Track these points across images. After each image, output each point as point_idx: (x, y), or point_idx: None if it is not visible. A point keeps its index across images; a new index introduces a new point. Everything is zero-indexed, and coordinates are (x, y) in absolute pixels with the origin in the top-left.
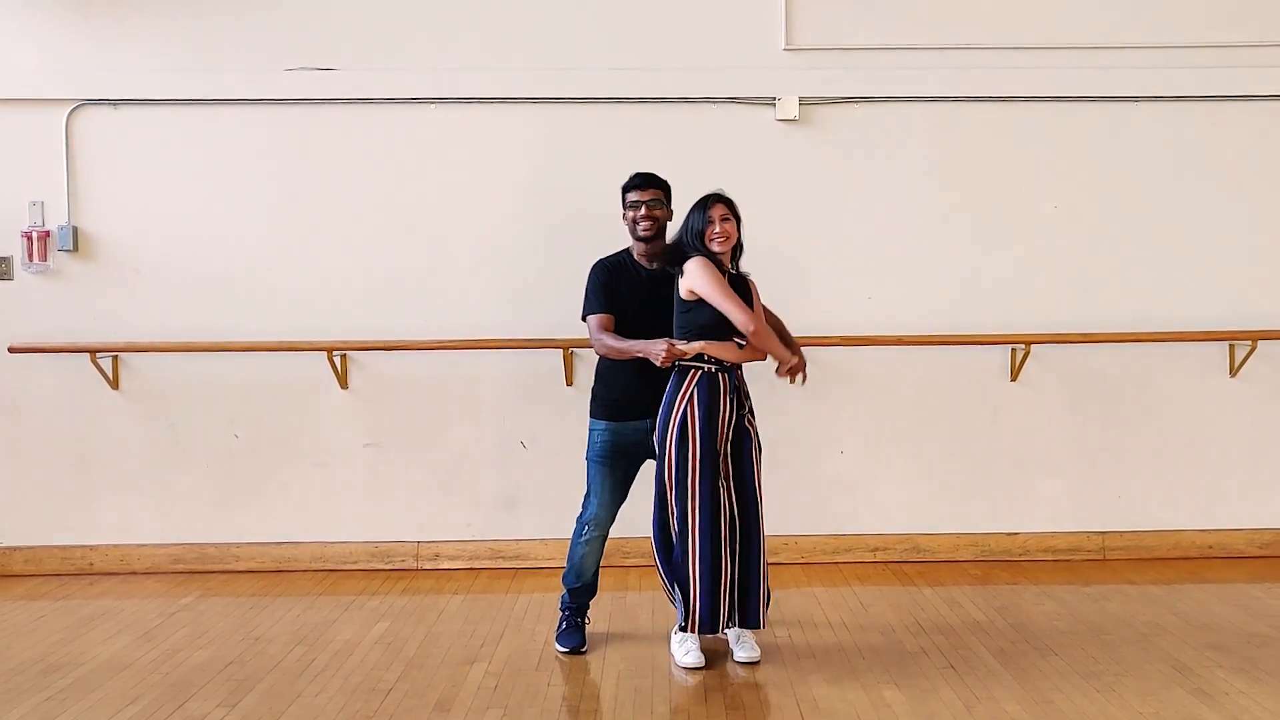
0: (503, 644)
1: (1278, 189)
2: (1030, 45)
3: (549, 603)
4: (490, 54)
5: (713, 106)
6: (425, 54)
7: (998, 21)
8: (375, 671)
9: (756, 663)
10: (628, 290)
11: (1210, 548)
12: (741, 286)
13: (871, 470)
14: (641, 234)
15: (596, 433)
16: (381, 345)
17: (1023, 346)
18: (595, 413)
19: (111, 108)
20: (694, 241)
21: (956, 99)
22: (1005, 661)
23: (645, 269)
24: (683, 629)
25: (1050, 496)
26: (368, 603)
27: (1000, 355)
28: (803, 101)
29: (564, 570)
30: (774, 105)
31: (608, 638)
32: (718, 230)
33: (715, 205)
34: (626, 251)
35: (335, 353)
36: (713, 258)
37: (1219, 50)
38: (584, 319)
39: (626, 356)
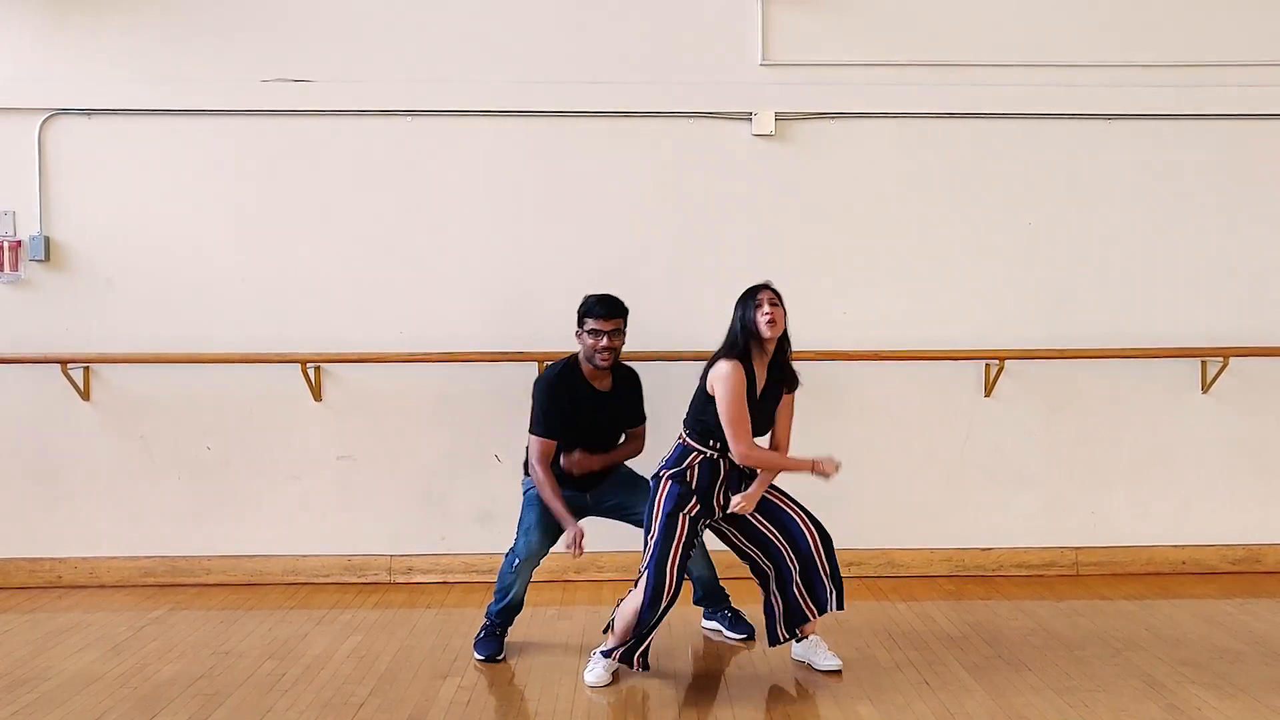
0: (476, 658)
1: (1249, 206)
2: (1005, 63)
3: (523, 617)
4: (467, 67)
5: (689, 121)
6: (402, 67)
7: (974, 39)
8: (347, 686)
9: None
10: (577, 408)
11: (1183, 563)
12: (774, 390)
13: (845, 485)
14: (600, 364)
15: (535, 489)
16: (355, 358)
17: (997, 362)
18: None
19: (85, 117)
20: (741, 327)
21: (932, 115)
22: (979, 676)
23: (594, 388)
24: (609, 654)
25: (1024, 512)
26: (340, 616)
27: (974, 370)
28: (779, 116)
29: (495, 590)
30: (750, 120)
31: (581, 652)
32: (766, 312)
33: (763, 291)
34: (575, 364)
35: (309, 365)
36: (748, 358)
37: (1192, 69)
38: (530, 431)
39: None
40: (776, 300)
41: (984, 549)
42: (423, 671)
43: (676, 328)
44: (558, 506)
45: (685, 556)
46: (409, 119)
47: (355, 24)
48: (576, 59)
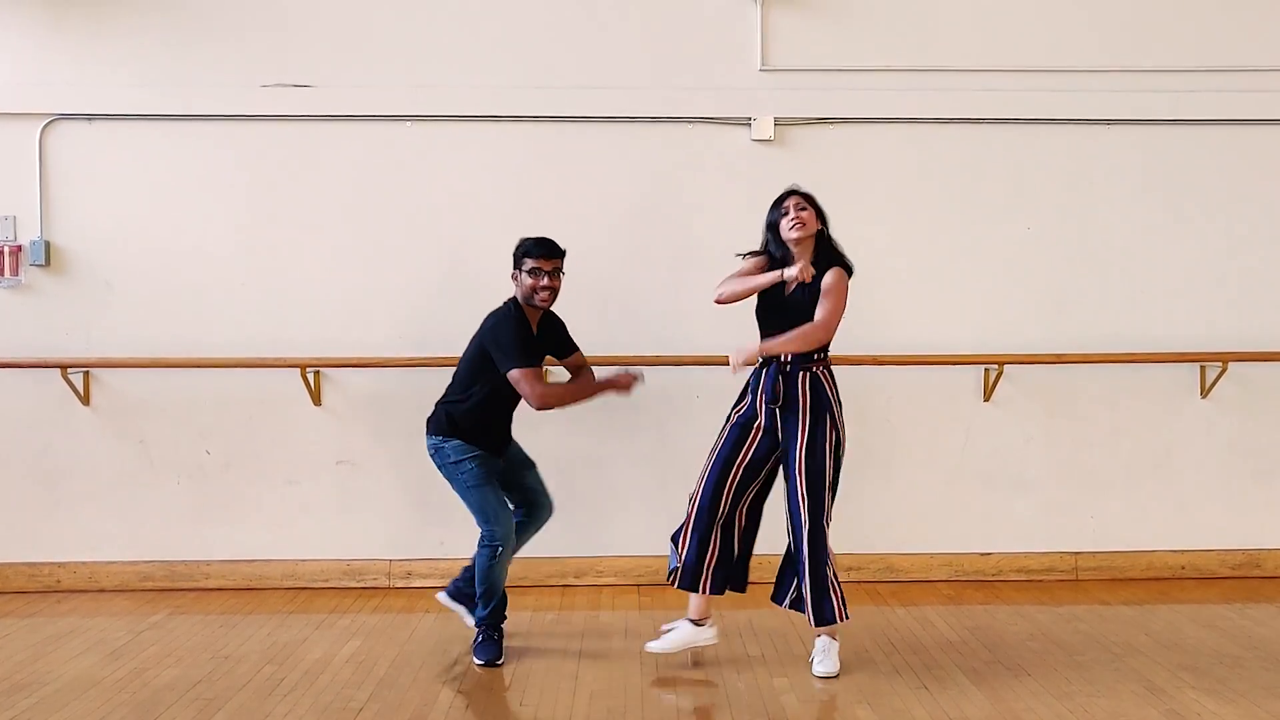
0: (475, 663)
1: (1249, 211)
2: (1004, 68)
3: (522, 621)
4: (466, 72)
5: (688, 126)
6: (401, 71)
7: (972, 44)
8: (346, 691)
9: (833, 676)
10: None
11: (1182, 568)
12: (812, 287)
13: (844, 490)
14: (539, 303)
15: (470, 460)
16: (355, 362)
17: (996, 366)
18: (467, 437)
19: (86, 122)
20: (771, 235)
21: (931, 120)
22: (978, 682)
23: (530, 330)
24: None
25: (1023, 517)
26: (339, 621)
27: (973, 375)
28: (778, 122)
29: (479, 595)
30: (749, 125)
31: (580, 657)
32: (791, 217)
33: (790, 197)
34: (519, 305)
35: (308, 369)
36: (781, 255)
37: (1191, 75)
38: (514, 366)
39: (586, 397)
40: (804, 204)
41: (983, 554)
42: (422, 676)
43: (676, 333)
44: (598, 386)
45: (726, 467)
46: (409, 124)
47: (356, 29)
48: (576, 64)
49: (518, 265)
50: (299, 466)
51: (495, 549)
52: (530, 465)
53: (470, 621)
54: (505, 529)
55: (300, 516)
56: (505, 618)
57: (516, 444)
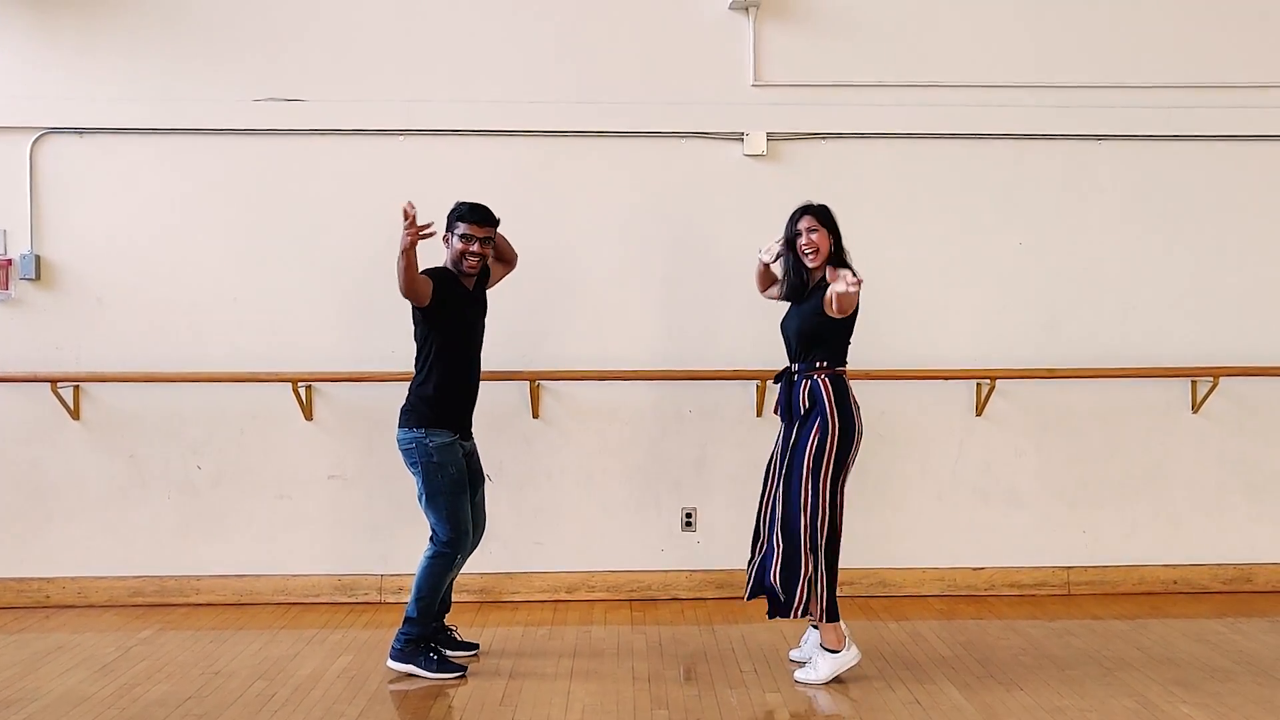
0: (466, 678)
1: (1240, 226)
2: (996, 83)
3: (514, 637)
4: (459, 86)
5: (681, 141)
6: (393, 86)
7: (964, 60)
8: (337, 706)
9: (803, 682)
10: (462, 303)
11: (1174, 583)
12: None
13: None
14: (467, 269)
15: (453, 466)
16: (346, 377)
17: (988, 381)
18: (443, 421)
19: (77, 136)
20: (789, 250)
21: (923, 136)
22: (970, 697)
23: (468, 290)
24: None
25: (1016, 531)
26: (330, 636)
27: (966, 390)
28: (770, 137)
29: (420, 610)
30: (742, 140)
31: (572, 672)
32: (804, 242)
33: (803, 218)
34: (451, 267)
35: (300, 384)
36: (798, 272)
37: (1182, 91)
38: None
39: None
40: (816, 226)
41: (975, 568)
42: (413, 692)
43: (669, 348)
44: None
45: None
46: (401, 138)
47: (347, 43)
48: (569, 79)
49: (450, 228)
50: (290, 481)
51: (454, 558)
52: (482, 480)
53: (426, 676)
54: (467, 541)
55: (291, 531)
56: (444, 624)
57: (476, 455)
